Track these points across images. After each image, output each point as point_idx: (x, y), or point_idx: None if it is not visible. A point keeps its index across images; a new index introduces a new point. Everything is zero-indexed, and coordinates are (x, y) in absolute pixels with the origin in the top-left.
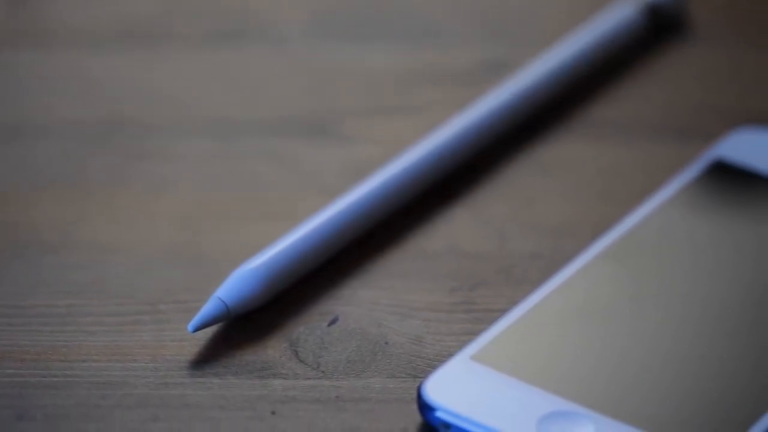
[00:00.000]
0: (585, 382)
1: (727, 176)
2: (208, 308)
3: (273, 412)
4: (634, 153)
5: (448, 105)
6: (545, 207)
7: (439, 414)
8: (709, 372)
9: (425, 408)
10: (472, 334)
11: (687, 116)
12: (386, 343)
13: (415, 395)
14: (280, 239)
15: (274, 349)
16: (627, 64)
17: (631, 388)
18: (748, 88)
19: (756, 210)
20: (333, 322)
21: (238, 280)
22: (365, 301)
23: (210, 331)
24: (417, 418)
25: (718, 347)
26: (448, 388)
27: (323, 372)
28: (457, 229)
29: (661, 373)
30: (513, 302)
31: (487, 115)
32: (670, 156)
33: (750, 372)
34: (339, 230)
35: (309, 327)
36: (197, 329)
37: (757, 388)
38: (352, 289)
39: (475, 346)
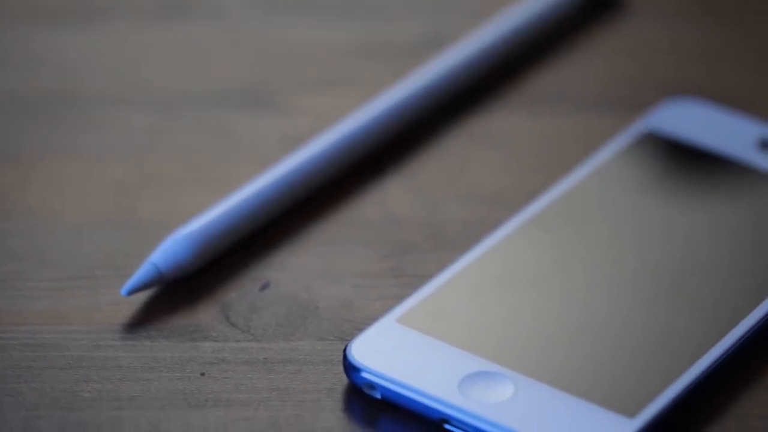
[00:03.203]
0: (507, 344)
1: (657, 146)
2: (141, 273)
3: (202, 374)
4: (569, 124)
5: (388, 79)
6: (478, 176)
7: (364, 374)
8: (628, 336)
9: (350, 369)
10: (401, 298)
11: (622, 88)
12: (316, 307)
13: (342, 357)
14: (213, 206)
15: (205, 313)
16: (563, 37)
17: (552, 350)
18: (682, 60)
19: (684, 180)
20: (264, 287)
21: (172, 246)
22: (297, 267)
23: (144, 295)
24: (343, 379)
25: (638, 313)
26: (373, 349)
27: (253, 335)
28: (389, 197)
29: (582, 336)
30: (442, 268)
31: (422, 87)
32: (605, 127)
33: (668, 337)
34: (272, 198)
35: (241, 292)
36: (130, 293)
37: (673, 353)
38: (284, 256)
39: (401, 309)
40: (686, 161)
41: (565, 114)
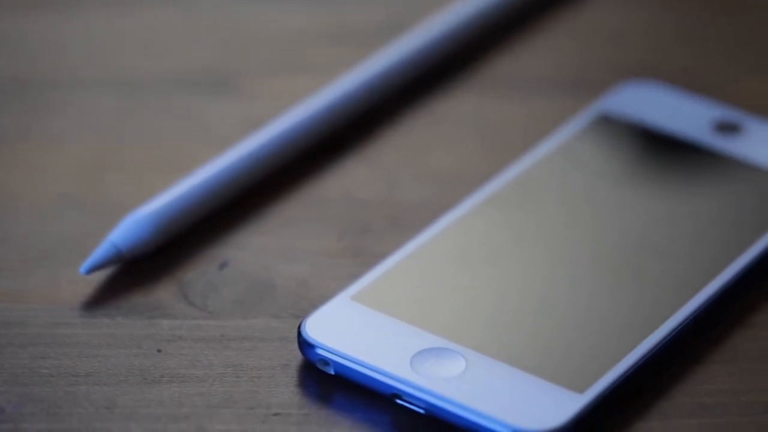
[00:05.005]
0: (459, 321)
1: (611, 128)
2: (100, 251)
3: (159, 350)
4: (530, 106)
5: (350, 64)
6: (437, 157)
7: (317, 351)
8: (579, 313)
9: (304, 345)
10: (358, 277)
11: (582, 71)
12: (273, 285)
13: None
14: (173, 186)
15: (164, 292)
16: (524, 20)
17: (504, 326)
18: (642, 44)
19: (639, 162)
20: (223, 266)
21: (131, 225)
22: (256, 246)
23: (103, 274)
24: (298, 356)
25: (589, 291)
26: (328, 326)
27: (210, 313)
28: (348, 177)
29: (533, 313)
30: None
31: (384, 68)
32: (565, 110)
33: (618, 315)
34: (233, 178)
35: (199, 271)
36: (89, 271)
37: (623, 330)
38: (243, 235)
39: (356, 287)
40: (641, 143)
41: (529, 96)
